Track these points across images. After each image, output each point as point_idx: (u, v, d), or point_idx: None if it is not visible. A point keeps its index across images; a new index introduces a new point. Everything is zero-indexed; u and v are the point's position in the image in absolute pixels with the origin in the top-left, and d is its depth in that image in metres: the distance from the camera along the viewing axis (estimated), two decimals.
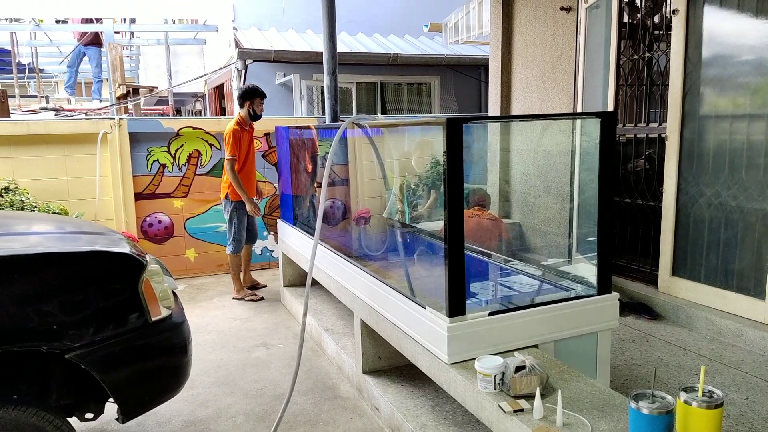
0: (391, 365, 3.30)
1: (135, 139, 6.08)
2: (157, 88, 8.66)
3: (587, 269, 2.80)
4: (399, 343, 2.75)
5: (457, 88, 9.30)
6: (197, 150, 6.33)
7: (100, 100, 8.25)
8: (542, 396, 1.93)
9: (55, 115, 6.88)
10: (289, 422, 3.08)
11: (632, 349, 3.52)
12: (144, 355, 2.21)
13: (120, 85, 7.56)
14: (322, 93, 8.72)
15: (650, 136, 4.29)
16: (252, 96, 5.02)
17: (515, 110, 5.70)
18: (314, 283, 4.21)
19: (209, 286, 6.05)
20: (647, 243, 4.31)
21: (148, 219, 6.28)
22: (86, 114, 6.86)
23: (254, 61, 7.87)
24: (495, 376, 2.04)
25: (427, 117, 8.32)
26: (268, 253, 6.66)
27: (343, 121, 3.46)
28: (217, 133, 6.33)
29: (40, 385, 2.16)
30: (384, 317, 2.88)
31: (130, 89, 7.43)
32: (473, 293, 2.96)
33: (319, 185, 5.57)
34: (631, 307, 4.17)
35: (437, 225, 4.38)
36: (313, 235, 4.23)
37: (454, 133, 2.18)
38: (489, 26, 6.10)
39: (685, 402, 1.50)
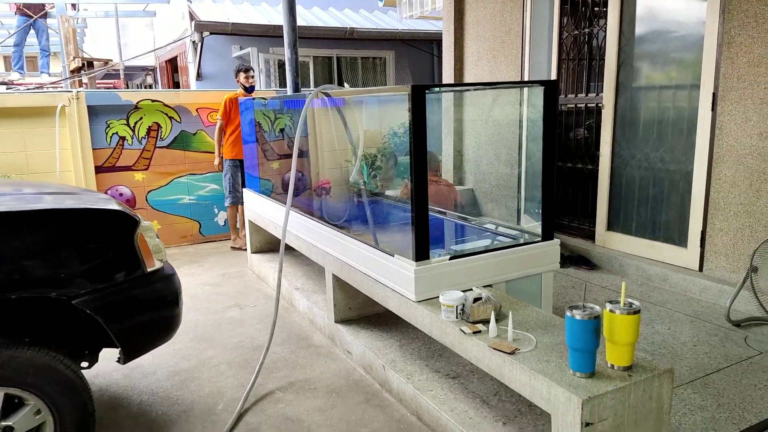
0: (361, 315, 3.62)
1: (93, 112, 6.08)
2: (111, 60, 8.52)
3: (533, 224, 3.18)
4: (370, 290, 3.07)
5: (412, 62, 9.56)
6: (157, 123, 6.38)
7: (49, 74, 8.06)
8: (496, 320, 2.29)
9: (7, 89, 6.73)
10: (270, 367, 3.37)
11: (572, 293, 3.96)
12: (141, 302, 2.43)
13: (74, 58, 7.42)
14: (280, 66, 8.83)
15: (589, 105, 4.71)
16: (237, 73, 5.90)
17: (468, 81, 6.03)
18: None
19: (175, 257, 6.18)
20: (586, 203, 4.77)
21: (109, 192, 6.31)
22: (41, 88, 6.75)
23: (211, 33, 7.88)
24: (456, 306, 2.38)
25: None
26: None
27: (304, 94, 3.69)
28: (177, 106, 6.40)
29: (49, 330, 2.36)
30: (355, 269, 3.18)
31: (85, 62, 7.31)
32: (435, 244, 3.29)
33: (282, 156, 5.79)
34: (572, 259, 4.63)
35: (399, 190, 4.71)
36: (279, 201, 4.48)
37: (418, 99, 2.47)
38: (442, 2, 6.37)
39: (610, 311, 1.87)
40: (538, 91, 2.92)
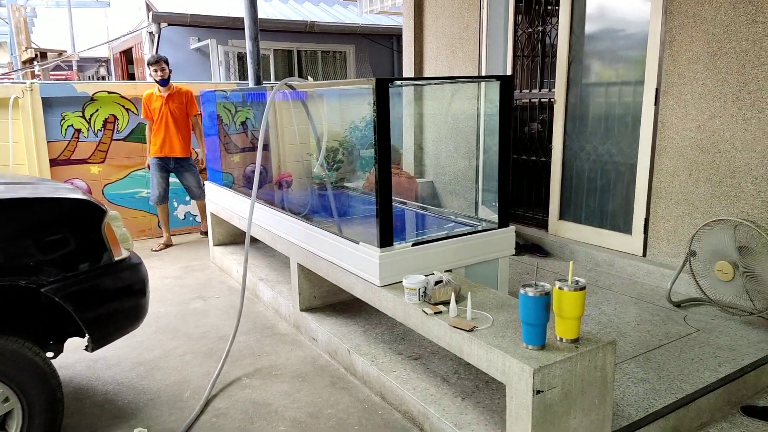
0: (325, 303, 3.72)
1: (48, 104, 5.94)
2: (66, 51, 8.27)
3: (490, 214, 3.35)
4: (336, 277, 3.16)
5: (372, 56, 9.66)
6: (113, 115, 6.28)
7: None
8: (456, 302, 2.43)
9: None
10: (235, 355, 3.43)
11: (526, 279, 4.13)
12: (110, 290, 2.46)
13: (27, 48, 7.18)
14: (239, 59, 8.78)
15: (543, 101, 4.92)
16: (147, 65, 5.71)
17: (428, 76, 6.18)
18: (241, 240, 4.51)
19: (134, 251, 6.12)
20: (540, 194, 4.98)
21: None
22: None
23: (169, 24, 7.77)
24: (419, 289, 2.51)
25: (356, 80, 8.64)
26: (191, 218, 6.78)
27: (265, 86, 3.75)
28: (134, 98, 6.30)
29: (18, 319, 2.36)
30: (321, 257, 3.27)
31: (38, 53, 7.08)
32: (397, 233, 3.41)
33: (244, 149, 5.81)
34: (527, 248, 4.84)
35: (361, 182, 4.81)
36: (241, 194, 4.52)
37: (382, 92, 2.58)
38: None
39: (559, 288, 2.04)
40: (495, 86, 3.08)
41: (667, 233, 3.93)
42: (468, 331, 2.21)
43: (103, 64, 11.43)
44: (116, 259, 2.47)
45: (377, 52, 9.75)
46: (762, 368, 2.80)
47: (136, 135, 6.42)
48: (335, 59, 9.43)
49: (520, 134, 5.19)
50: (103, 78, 11.51)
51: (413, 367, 2.87)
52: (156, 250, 5.94)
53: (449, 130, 5.96)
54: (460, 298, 2.52)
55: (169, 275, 5.12)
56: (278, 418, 2.75)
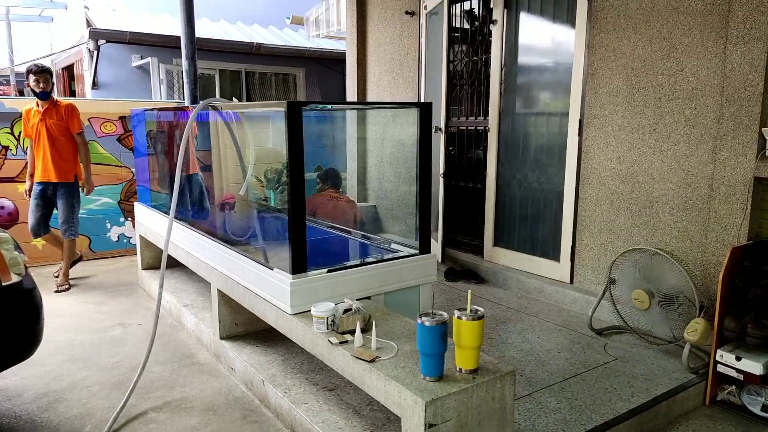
0: (247, 330, 3.59)
1: None
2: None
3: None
4: (251, 303, 3.06)
5: (321, 80, 9.68)
6: None
7: None
8: (365, 331, 2.36)
9: None
10: (146, 387, 3.25)
11: (458, 305, 4.13)
12: None
13: None
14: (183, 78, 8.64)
15: (479, 128, 4.98)
16: (27, 76, 4.90)
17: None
18: (175, 264, 4.36)
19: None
20: (477, 220, 5.00)
21: None
22: None
23: (107, 41, 7.58)
24: (327, 318, 2.43)
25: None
26: (125, 240, 6.54)
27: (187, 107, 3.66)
28: None
29: None
30: (238, 283, 3.17)
31: None
32: (320, 258, 3.33)
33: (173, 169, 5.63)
34: (463, 274, 4.84)
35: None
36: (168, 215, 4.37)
37: (294, 115, 2.53)
38: (346, 23, 6.54)
39: (457, 317, 2.00)
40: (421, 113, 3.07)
41: (591, 261, 3.99)
42: (369, 361, 2.14)
43: None
44: (4, 284, 2.32)
45: (327, 75, 9.77)
46: (674, 398, 2.82)
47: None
48: (286, 82, 9.40)
49: (460, 161, 5.23)
50: None
51: (327, 398, 2.77)
52: (58, 291, 5.08)
53: (390, 154, 5.97)
54: (369, 327, 2.45)
55: (91, 300, 4.89)
56: None
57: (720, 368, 2.89)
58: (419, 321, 1.96)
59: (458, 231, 5.29)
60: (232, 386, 3.26)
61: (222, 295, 3.46)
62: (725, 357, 2.87)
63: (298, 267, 2.67)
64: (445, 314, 2.00)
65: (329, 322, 2.43)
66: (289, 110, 2.51)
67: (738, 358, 2.82)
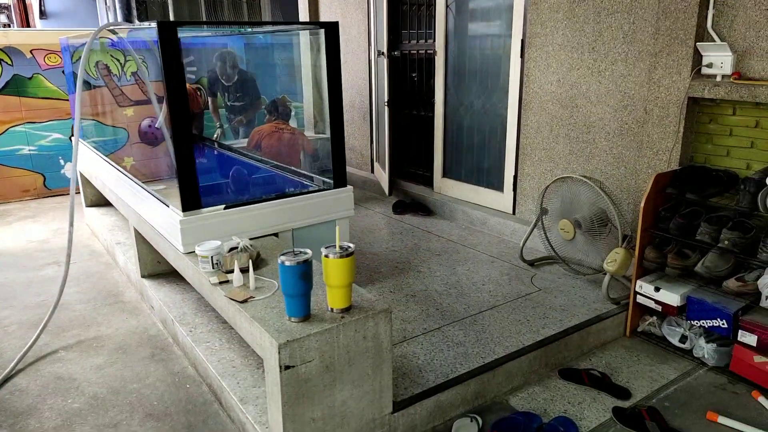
0: (170, 269, 3.47)
1: None
2: None
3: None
4: (156, 242, 2.94)
5: (284, 2, 9.13)
6: None
7: None
8: (255, 269, 2.25)
9: None
10: (63, 326, 3.20)
11: (397, 239, 4.02)
12: None
13: None
14: (140, 3, 8.17)
15: (427, 52, 4.67)
16: None
17: None
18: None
19: (11, 212, 5.73)
20: (427, 151, 4.80)
21: None
22: None
23: None
24: (211, 257, 2.31)
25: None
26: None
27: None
28: (6, 47, 5.78)
29: None
30: (146, 221, 3.04)
31: None
32: (227, 194, 3.20)
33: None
34: (411, 206, 4.69)
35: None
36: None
37: (168, 37, 2.30)
38: None
39: (324, 255, 1.87)
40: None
41: (532, 191, 3.83)
42: (241, 302, 2.03)
43: (5, 10, 10.53)
44: None
45: None
46: (588, 329, 2.74)
47: (12, 88, 5.92)
48: (250, 4, 8.88)
49: (409, 87, 4.96)
50: (7, 26, 10.63)
51: (229, 337, 2.70)
52: None
53: (345, 81, 5.67)
54: (261, 265, 2.34)
55: (35, 239, 4.79)
56: (77, 394, 2.56)
57: (639, 299, 2.80)
58: (279, 260, 1.83)
59: (410, 162, 5.11)
60: (149, 325, 3.20)
61: (138, 234, 3.34)
62: (644, 288, 2.77)
63: (190, 203, 2.52)
64: (309, 252, 1.87)
65: (214, 261, 2.31)
66: (161, 31, 2.27)
67: (657, 289, 2.72)
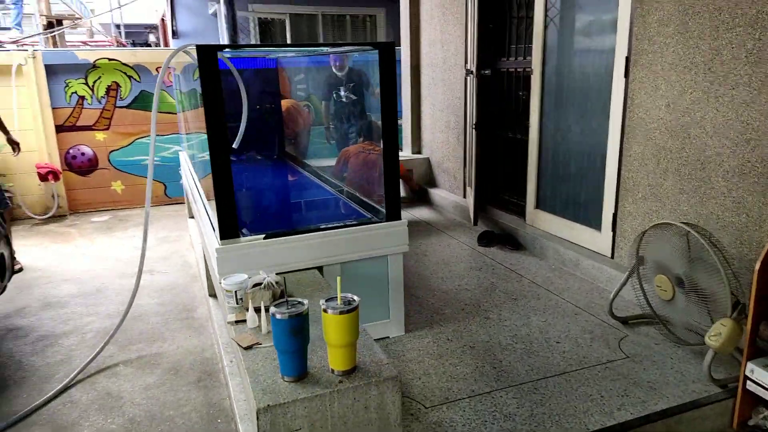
0: None
1: (52, 71, 6.09)
2: (81, 18, 8.50)
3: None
4: (210, 264, 2.91)
5: (395, 19, 9.09)
6: (116, 82, 6.34)
7: (21, 31, 8.06)
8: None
9: None
10: (132, 339, 3.30)
11: (473, 276, 3.68)
12: None
13: (41, 15, 7.44)
14: (261, 24, 8.60)
15: (521, 70, 4.27)
16: None
17: (424, 41, 5.65)
18: None
19: (131, 217, 6.23)
20: (522, 177, 4.39)
21: (71, 151, 6.38)
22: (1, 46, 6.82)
23: None
24: (236, 291, 2.19)
25: None
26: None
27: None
28: (135, 65, 6.33)
29: None
30: (205, 240, 3.03)
31: (53, 20, 7.31)
32: (280, 221, 3.08)
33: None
34: (499, 238, 4.30)
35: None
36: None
37: (208, 60, 2.23)
38: None
39: (323, 309, 1.65)
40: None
41: (633, 232, 3.28)
42: (245, 348, 1.88)
43: (153, 30, 11.71)
44: None
45: None
46: (679, 417, 2.22)
47: (140, 102, 6.47)
48: (365, 24, 8.95)
49: (498, 109, 4.58)
50: (150, 44, 11.83)
51: None
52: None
53: (442, 101, 5.42)
54: None
55: (140, 246, 5.12)
56: (118, 414, 2.58)
57: (750, 386, 2.21)
58: (271, 312, 1.64)
59: (502, 188, 4.71)
60: (207, 346, 3.20)
61: (203, 255, 3.36)
62: (757, 373, 2.18)
63: (227, 231, 2.44)
64: (305, 303, 1.66)
65: (237, 297, 2.19)
66: (200, 55, 2.21)
67: None
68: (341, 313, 1.62)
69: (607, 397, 2.31)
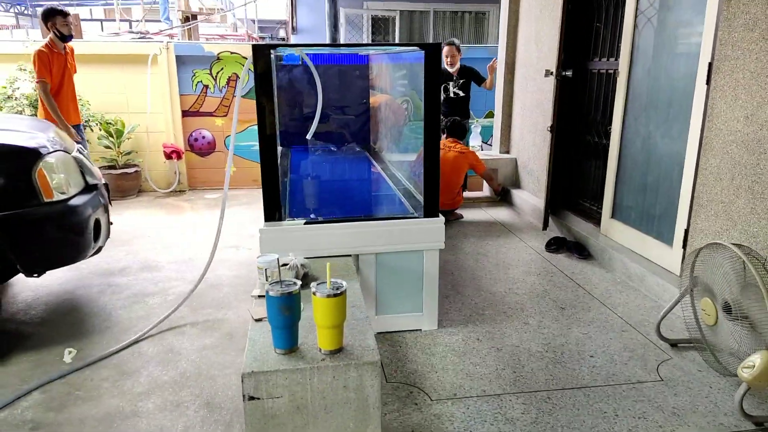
0: None
1: (181, 61, 6.83)
2: (214, 12, 9.32)
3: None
4: None
5: None
6: (236, 74, 6.95)
7: (171, 24, 9.05)
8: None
9: (133, 38, 7.87)
10: (204, 304, 3.67)
11: (527, 281, 3.61)
12: (36, 226, 2.85)
13: (178, 10, 8.33)
14: (374, 22, 8.88)
15: (605, 71, 4.07)
16: (52, 16, 4.65)
17: (520, 39, 5.54)
18: None
19: (237, 197, 6.82)
20: (600, 184, 4.20)
21: (193, 134, 7.12)
22: (141, 37, 7.73)
23: None
24: (266, 270, 2.41)
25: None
26: None
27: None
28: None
29: None
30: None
31: (189, 15, 8.18)
32: (328, 209, 3.22)
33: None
34: (568, 245, 4.16)
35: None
36: None
37: (261, 58, 2.46)
38: None
39: (313, 292, 1.78)
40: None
41: None
42: (255, 320, 2.08)
43: (283, 25, 12.54)
44: (46, 200, 2.85)
45: None
46: None
47: (253, 93, 7.03)
48: (478, 20, 8.88)
49: (585, 110, 4.39)
50: (282, 39, 12.66)
51: None
52: None
53: (533, 100, 5.29)
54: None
55: (236, 222, 5.63)
56: (172, 368, 2.92)
57: None
58: (267, 288, 1.82)
59: (579, 194, 4.53)
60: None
61: None
62: None
63: (270, 214, 2.67)
64: (298, 284, 1.81)
65: (267, 274, 2.41)
66: (254, 53, 2.44)
67: None
68: (328, 296, 1.75)
69: (622, 417, 2.21)
